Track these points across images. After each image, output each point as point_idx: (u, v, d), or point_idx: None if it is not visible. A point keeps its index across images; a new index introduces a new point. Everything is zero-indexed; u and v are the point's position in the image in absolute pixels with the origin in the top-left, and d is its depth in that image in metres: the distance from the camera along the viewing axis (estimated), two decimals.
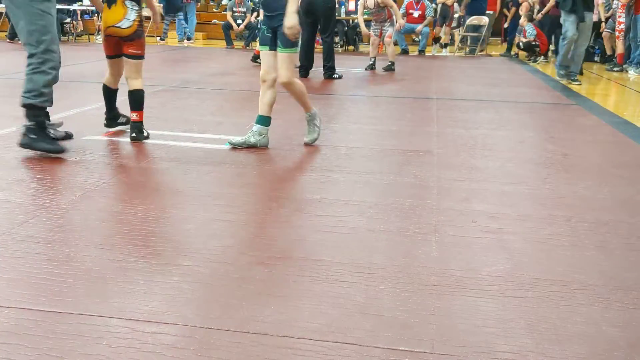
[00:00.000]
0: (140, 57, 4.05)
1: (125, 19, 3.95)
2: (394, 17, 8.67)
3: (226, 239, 2.44)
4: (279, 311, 1.87)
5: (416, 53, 12.42)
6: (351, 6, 12.98)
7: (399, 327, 1.80)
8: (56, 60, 3.59)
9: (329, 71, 7.93)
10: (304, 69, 7.96)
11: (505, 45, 12.86)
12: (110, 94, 4.24)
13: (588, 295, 2.03)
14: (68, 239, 2.40)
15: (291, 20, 3.65)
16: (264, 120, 3.96)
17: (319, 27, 7.92)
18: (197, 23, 15.54)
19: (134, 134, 4.02)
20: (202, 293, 1.99)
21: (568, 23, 7.52)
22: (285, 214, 2.75)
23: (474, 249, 2.41)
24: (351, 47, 13.52)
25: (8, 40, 12.43)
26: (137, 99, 4.03)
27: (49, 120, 3.84)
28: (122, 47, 4.02)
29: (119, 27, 3.94)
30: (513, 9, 12.26)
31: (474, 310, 1.91)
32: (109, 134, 4.25)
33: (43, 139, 3.59)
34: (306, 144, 4.04)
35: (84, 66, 8.66)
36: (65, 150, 3.63)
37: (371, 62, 8.95)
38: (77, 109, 5.10)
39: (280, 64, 3.79)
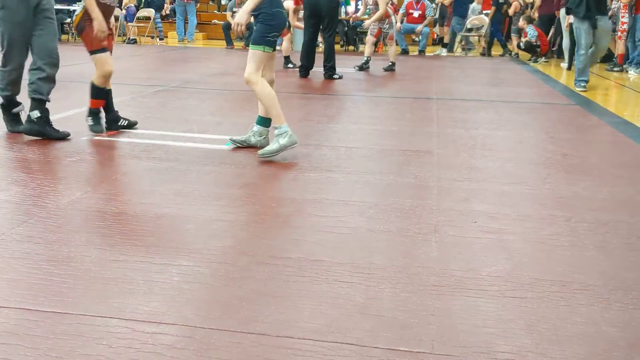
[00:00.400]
0: (90, 52, 4.11)
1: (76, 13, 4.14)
2: (392, 17, 8.67)
3: (226, 239, 2.44)
4: (278, 311, 1.87)
5: (416, 53, 12.43)
6: (350, 9, 13.01)
7: (398, 327, 1.80)
8: None
9: (330, 71, 7.92)
10: (305, 69, 7.96)
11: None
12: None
13: (588, 296, 2.03)
14: (68, 239, 2.40)
15: (239, 17, 3.57)
16: (264, 121, 3.93)
17: (322, 26, 7.95)
18: (197, 23, 15.55)
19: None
20: (202, 293, 1.99)
21: (581, 31, 6.90)
22: (285, 214, 2.75)
23: (473, 249, 2.41)
24: (351, 47, 13.53)
25: None
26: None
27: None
28: None
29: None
30: (493, 9, 12.16)
31: (474, 311, 1.91)
32: (107, 135, 4.24)
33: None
34: (258, 155, 3.69)
35: (83, 66, 8.65)
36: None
37: (364, 60, 8.88)
38: (76, 109, 5.09)
39: (247, 59, 3.73)
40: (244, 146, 3.92)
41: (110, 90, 4.30)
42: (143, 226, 2.56)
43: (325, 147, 4.04)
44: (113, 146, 4.00)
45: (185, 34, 14.98)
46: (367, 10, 9.28)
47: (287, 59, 9.13)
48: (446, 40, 12.84)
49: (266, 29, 3.63)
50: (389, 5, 8.81)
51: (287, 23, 9.16)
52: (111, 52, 4.21)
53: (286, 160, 3.69)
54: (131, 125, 4.44)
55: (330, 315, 1.86)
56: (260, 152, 3.70)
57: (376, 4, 8.60)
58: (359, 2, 13.23)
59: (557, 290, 2.06)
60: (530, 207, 2.93)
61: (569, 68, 9.51)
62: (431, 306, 1.93)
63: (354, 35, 13.49)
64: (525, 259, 2.32)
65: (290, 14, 9.01)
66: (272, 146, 3.65)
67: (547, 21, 11.49)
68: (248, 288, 2.02)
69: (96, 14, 3.96)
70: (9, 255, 2.22)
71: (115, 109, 4.41)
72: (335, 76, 7.96)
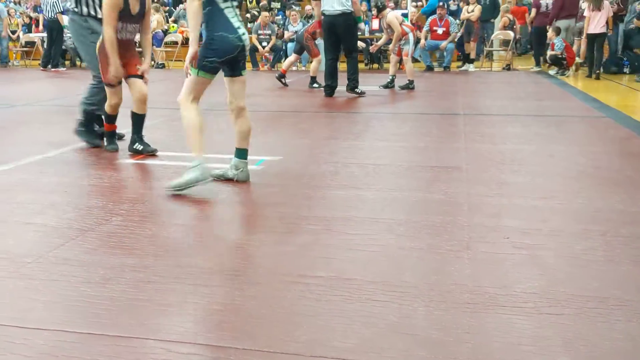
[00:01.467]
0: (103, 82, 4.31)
1: None
2: (409, 34, 8.71)
3: (256, 258, 2.46)
4: (311, 331, 1.87)
5: (441, 70, 12.40)
6: (375, 24, 13.05)
7: (433, 345, 1.79)
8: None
9: (352, 83, 7.94)
10: (330, 89, 8.01)
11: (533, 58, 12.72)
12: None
13: (625, 311, 1.99)
14: (103, 261, 2.44)
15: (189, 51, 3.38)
16: (239, 153, 3.62)
17: (342, 45, 8.01)
18: None
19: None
20: (234, 313, 2.00)
21: None
22: (314, 232, 2.76)
23: (506, 265, 2.39)
24: (376, 65, 13.58)
25: (41, 68, 12.77)
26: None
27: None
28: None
29: None
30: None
31: (509, 328, 1.89)
32: (139, 157, 4.32)
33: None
34: (165, 188, 3.41)
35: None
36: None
37: (389, 79, 8.97)
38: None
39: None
40: (223, 179, 3.61)
41: (143, 115, 4.39)
42: (175, 247, 2.59)
43: (353, 165, 4.04)
44: (145, 169, 4.07)
45: None
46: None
47: (313, 79, 9.21)
48: (472, 55, 12.79)
49: (204, 52, 3.36)
50: (404, 23, 8.92)
51: (301, 45, 9.36)
52: (143, 77, 4.30)
53: (314, 178, 3.70)
54: (150, 152, 4.43)
55: (364, 335, 1.85)
56: (167, 185, 3.39)
57: (388, 27, 8.74)
58: (369, 22, 13.29)
59: (594, 307, 2.02)
60: (563, 222, 2.88)
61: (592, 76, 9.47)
62: (465, 324, 1.91)
63: (377, 53, 13.54)
64: (560, 274, 2.29)
65: (305, 35, 9.17)
66: (179, 180, 3.34)
67: (539, 33, 12.02)
68: (279, 308, 2.03)
69: (114, 59, 4.11)
70: (46, 277, 2.27)
71: (143, 133, 4.47)
72: (358, 90, 7.94)
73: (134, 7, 4.14)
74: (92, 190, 3.53)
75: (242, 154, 3.63)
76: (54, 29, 12.54)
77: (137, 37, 4.39)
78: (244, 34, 3.41)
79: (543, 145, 4.67)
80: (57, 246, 2.60)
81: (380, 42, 9.66)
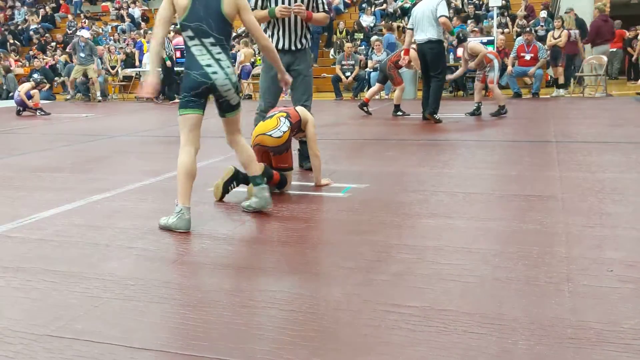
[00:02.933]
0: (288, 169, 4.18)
1: (277, 129, 4.05)
2: (494, 61, 8.59)
3: (349, 286, 2.45)
4: None
5: (529, 96, 12.06)
6: (459, 52, 12.91)
7: None
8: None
9: (431, 107, 8.00)
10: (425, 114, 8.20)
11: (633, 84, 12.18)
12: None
13: None
14: (200, 285, 2.52)
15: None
16: (252, 180, 3.63)
17: (430, 73, 8.19)
18: None
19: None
20: (328, 341, 2.00)
21: None
22: (406, 261, 2.73)
23: (612, 299, 2.26)
24: (460, 93, 13.41)
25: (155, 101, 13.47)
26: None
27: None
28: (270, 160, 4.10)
29: (269, 135, 4.03)
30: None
31: None
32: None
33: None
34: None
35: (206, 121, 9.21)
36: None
37: (475, 107, 8.85)
38: (203, 162, 5.40)
39: None
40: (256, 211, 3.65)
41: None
42: (269, 273, 2.64)
43: (442, 193, 3.98)
44: (239, 195, 4.17)
45: None
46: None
47: (397, 107, 9.22)
48: (561, 81, 12.38)
49: (181, 89, 3.44)
50: (489, 51, 8.92)
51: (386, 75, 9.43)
52: None
53: (403, 207, 3.67)
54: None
55: None
56: (162, 221, 3.40)
57: (471, 57, 8.81)
58: (454, 51, 13.14)
59: None
60: None
61: None
62: None
63: (462, 80, 13.37)
64: None
65: (388, 64, 9.25)
66: (164, 220, 3.37)
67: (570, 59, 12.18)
68: (374, 337, 2.01)
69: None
70: (149, 300, 2.37)
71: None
72: (436, 117, 7.95)
73: None
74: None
75: (254, 180, 3.61)
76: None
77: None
78: (214, 72, 3.32)
79: None
80: (156, 269, 2.71)
81: (457, 73, 9.68)
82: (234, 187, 4.04)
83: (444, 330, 2.04)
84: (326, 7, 4.90)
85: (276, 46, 4.59)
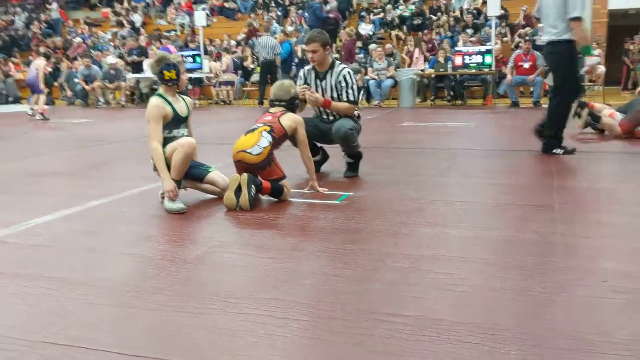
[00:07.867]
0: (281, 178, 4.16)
1: (257, 145, 4.04)
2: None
3: (343, 295, 2.46)
4: None
5: (529, 105, 12.10)
6: (457, 61, 12.97)
7: None
8: None
9: (547, 144, 5.94)
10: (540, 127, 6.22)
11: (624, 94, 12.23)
12: None
13: None
14: (195, 292, 2.53)
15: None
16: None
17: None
18: None
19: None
20: (322, 349, 2.00)
21: None
22: (401, 270, 2.73)
23: (605, 310, 2.26)
24: (459, 102, 13.46)
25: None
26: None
27: None
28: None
29: (249, 152, 4.04)
30: None
31: None
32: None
33: None
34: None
35: (203, 129, 9.23)
36: None
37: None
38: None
39: None
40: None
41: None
42: (265, 280, 2.64)
43: (438, 202, 3.99)
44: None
45: None
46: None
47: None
48: None
49: None
50: None
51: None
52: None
53: (400, 215, 3.68)
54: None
55: None
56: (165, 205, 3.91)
57: None
58: (451, 59, 13.19)
59: None
60: None
61: None
62: None
63: (460, 89, 13.42)
64: None
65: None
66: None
67: None
68: (367, 346, 2.01)
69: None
70: (143, 306, 2.37)
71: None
72: (557, 151, 5.81)
73: None
74: (184, 222, 3.67)
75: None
76: (270, 70, 14.11)
77: None
78: None
79: None
80: (152, 276, 2.71)
81: None
82: (254, 192, 3.98)
83: (437, 339, 2.04)
84: (350, 97, 4.81)
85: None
